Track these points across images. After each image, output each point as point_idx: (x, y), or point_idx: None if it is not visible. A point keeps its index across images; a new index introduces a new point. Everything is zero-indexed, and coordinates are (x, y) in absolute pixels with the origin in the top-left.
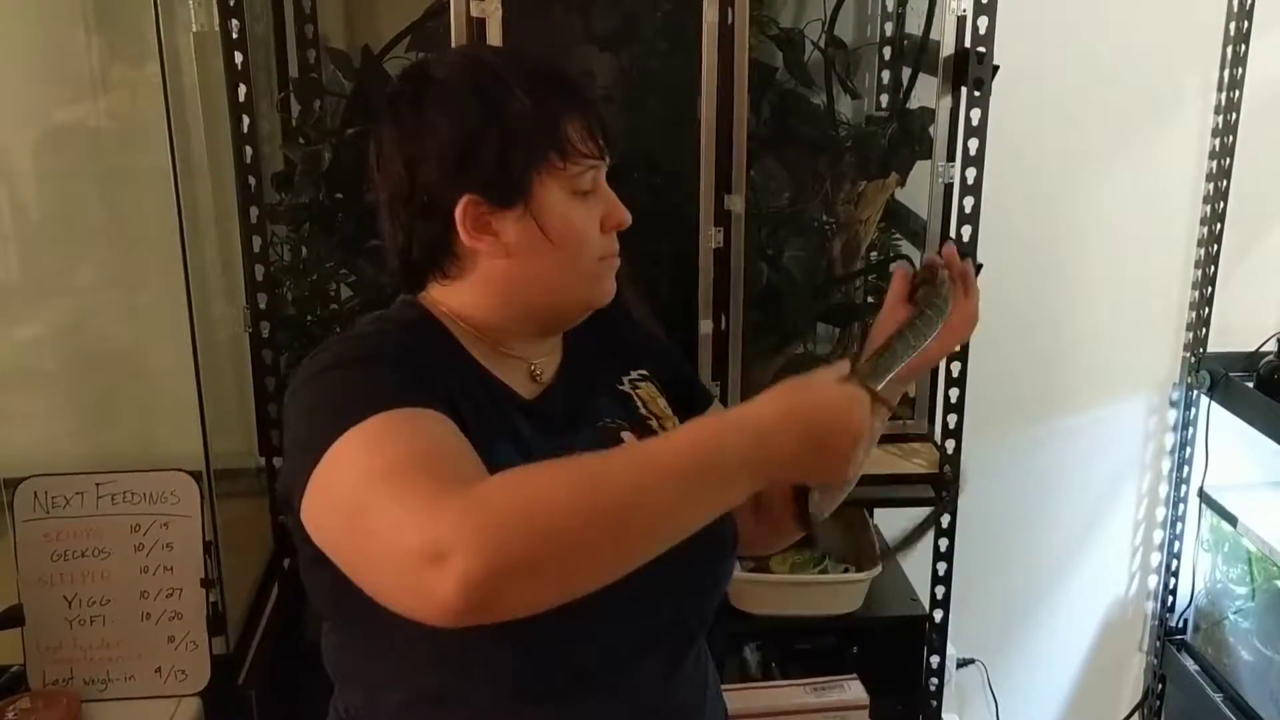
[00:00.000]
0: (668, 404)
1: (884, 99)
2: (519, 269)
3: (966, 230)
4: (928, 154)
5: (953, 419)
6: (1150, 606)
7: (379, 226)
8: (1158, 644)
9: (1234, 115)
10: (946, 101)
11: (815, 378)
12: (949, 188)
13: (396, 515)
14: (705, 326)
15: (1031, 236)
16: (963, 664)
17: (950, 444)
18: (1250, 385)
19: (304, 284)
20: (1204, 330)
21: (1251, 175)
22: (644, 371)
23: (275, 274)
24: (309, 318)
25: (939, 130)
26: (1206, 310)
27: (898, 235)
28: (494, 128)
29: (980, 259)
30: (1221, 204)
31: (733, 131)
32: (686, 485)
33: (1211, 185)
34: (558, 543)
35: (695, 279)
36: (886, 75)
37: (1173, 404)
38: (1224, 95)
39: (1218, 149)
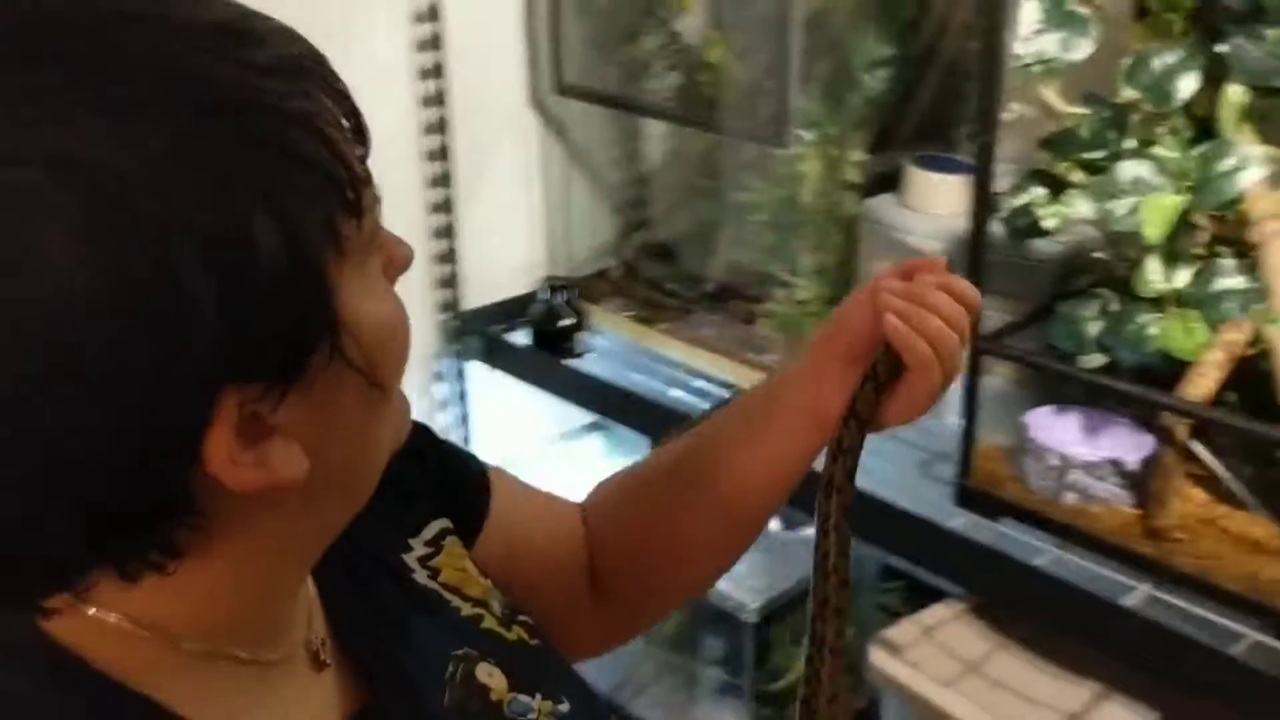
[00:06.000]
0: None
1: None
2: (320, 471)
3: None
4: None
5: None
6: None
7: None
8: None
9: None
10: None
11: None
12: None
13: None
14: None
15: None
16: None
17: None
18: (521, 340)
19: None
20: (456, 286)
21: (467, 93)
22: (430, 535)
23: None
24: None
25: None
26: (451, 268)
27: None
28: (256, 201)
29: None
30: (440, 137)
31: None
32: None
33: (431, 113)
34: None
35: None
36: None
37: (441, 378)
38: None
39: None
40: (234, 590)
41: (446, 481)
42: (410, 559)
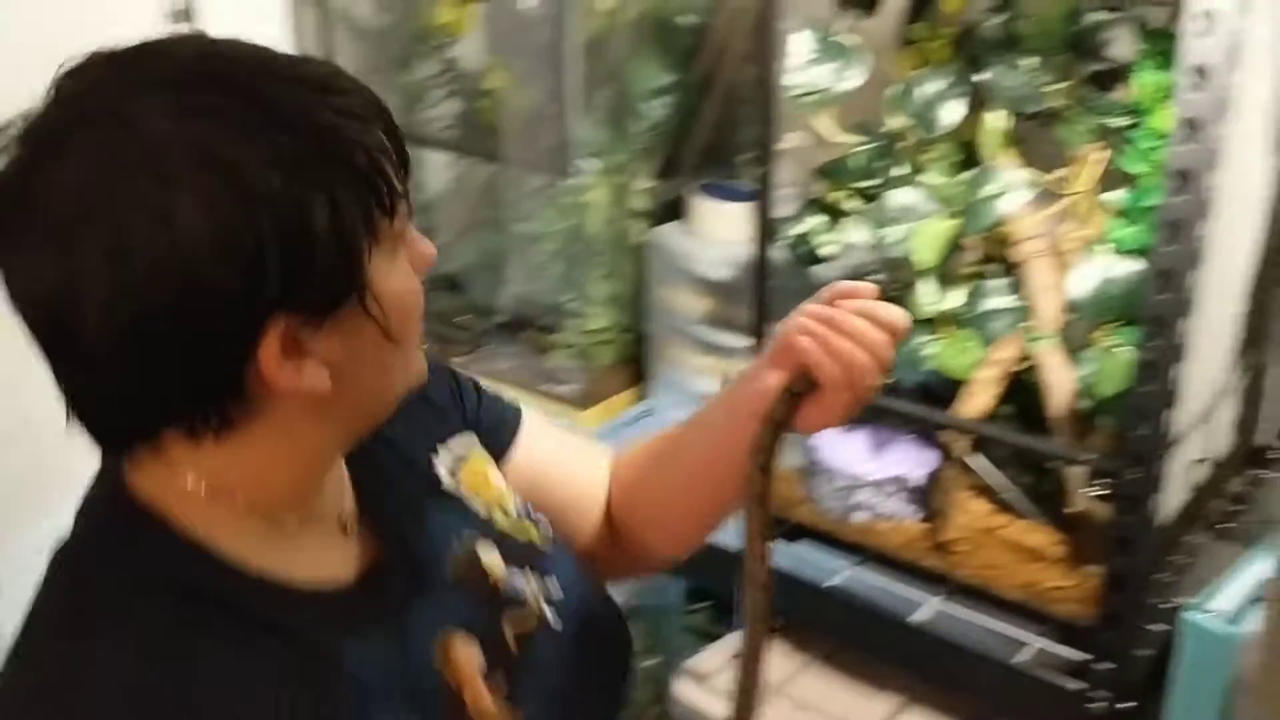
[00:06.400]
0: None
1: None
2: (343, 392)
3: None
4: None
5: None
6: None
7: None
8: None
9: None
10: None
11: None
12: None
13: None
14: None
15: None
16: None
17: None
18: None
19: None
20: None
21: None
22: (457, 446)
23: None
24: None
25: None
26: None
27: None
28: (317, 194)
29: None
30: None
31: None
32: None
33: None
34: None
35: None
36: None
37: None
38: None
39: None
40: (276, 466)
41: (479, 408)
42: (437, 462)
